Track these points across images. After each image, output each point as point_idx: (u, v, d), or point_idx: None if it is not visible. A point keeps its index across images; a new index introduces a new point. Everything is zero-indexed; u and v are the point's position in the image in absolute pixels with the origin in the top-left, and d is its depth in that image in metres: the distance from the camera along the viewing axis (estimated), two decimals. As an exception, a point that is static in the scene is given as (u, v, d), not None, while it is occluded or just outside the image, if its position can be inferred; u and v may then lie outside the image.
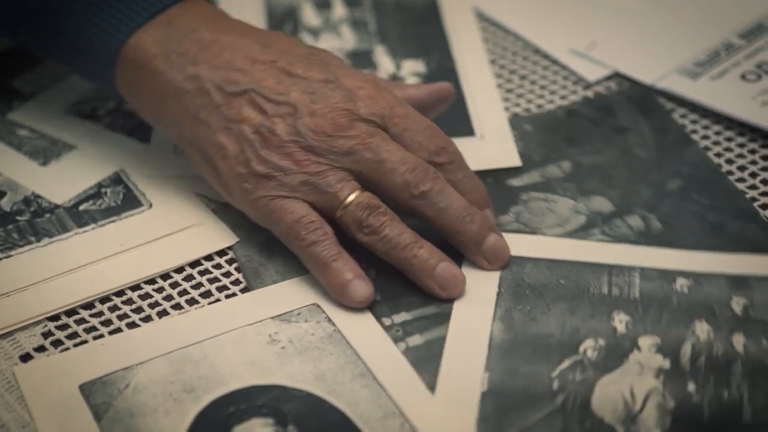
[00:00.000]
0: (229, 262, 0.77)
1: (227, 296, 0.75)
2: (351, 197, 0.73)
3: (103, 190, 0.81)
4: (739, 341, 0.70)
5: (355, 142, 0.73)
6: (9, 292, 0.74)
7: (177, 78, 0.75)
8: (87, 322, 0.73)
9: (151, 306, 0.74)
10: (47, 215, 0.79)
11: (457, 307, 0.73)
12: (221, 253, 0.77)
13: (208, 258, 0.77)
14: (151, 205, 0.80)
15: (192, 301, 0.75)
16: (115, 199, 0.81)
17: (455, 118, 0.87)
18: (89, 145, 0.84)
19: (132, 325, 0.73)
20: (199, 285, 0.76)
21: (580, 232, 0.77)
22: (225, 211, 0.79)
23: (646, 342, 0.70)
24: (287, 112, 0.74)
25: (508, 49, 0.94)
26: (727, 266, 0.74)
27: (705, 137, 0.85)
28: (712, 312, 0.72)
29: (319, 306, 0.73)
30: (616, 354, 0.70)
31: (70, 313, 0.74)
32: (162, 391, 0.69)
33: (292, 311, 0.73)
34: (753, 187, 0.81)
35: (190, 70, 0.75)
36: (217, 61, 0.75)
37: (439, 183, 0.73)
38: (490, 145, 0.85)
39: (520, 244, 0.76)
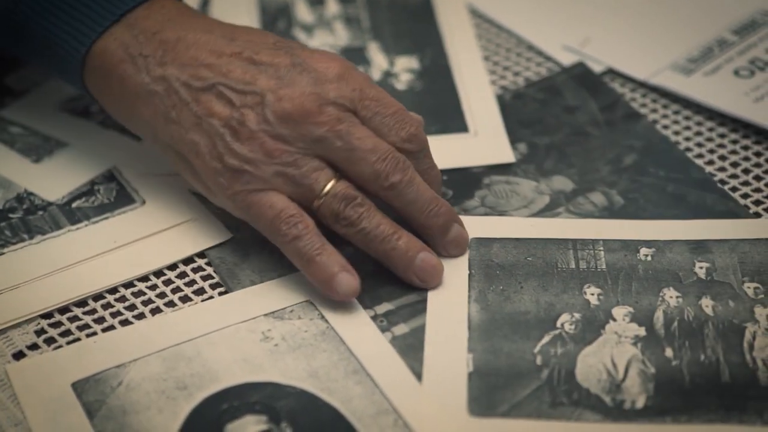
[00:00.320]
0: (223, 259, 0.77)
1: (220, 293, 0.75)
2: (327, 187, 0.72)
3: (96, 187, 0.81)
4: (707, 304, 0.72)
5: (325, 129, 0.73)
6: (2, 290, 0.74)
7: (145, 81, 0.75)
8: (80, 319, 0.73)
9: (144, 303, 0.74)
10: (40, 212, 0.79)
11: (432, 293, 0.74)
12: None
13: (201, 255, 0.77)
14: (144, 202, 0.80)
15: (185, 299, 0.75)
16: (108, 196, 0.80)
17: (449, 115, 0.87)
18: (82, 142, 0.84)
19: (125, 323, 0.73)
20: (192, 282, 0.76)
21: (546, 212, 0.79)
22: (218, 208, 0.79)
23: (620, 312, 0.72)
24: (255, 101, 0.73)
25: (501, 46, 0.94)
26: (686, 233, 0.76)
27: (653, 111, 0.87)
28: (678, 278, 0.74)
29: (311, 303, 0.73)
30: (592, 326, 0.71)
31: (63, 310, 0.74)
32: (155, 388, 0.69)
33: (284, 308, 0.73)
34: (699, 155, 0.83)
35: (158, 72, 0.75)
36: (183, 60, 0.75)
37: (409, 173, 0.73)
38: (484, 141, 0.85)
39: (484, 226, 0.77)
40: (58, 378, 0.69)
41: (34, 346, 0.72)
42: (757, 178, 0.82)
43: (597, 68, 0.90)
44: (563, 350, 0.70)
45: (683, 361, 0.69)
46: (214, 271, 0.76)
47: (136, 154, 0.83)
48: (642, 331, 0.71)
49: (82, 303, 0.74)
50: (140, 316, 0.73)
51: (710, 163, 0.83)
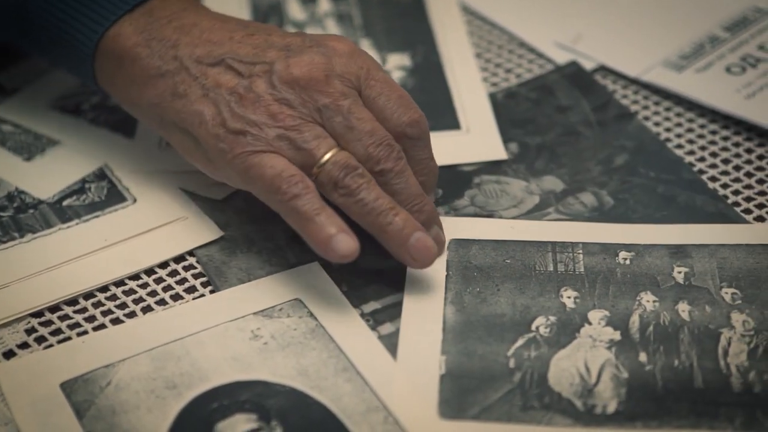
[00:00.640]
0: (213, 257, 0.77)
1: (212, 292, 0.75)
2: (328, 155, 0.72)
3: (87, 185, 0.81)
4: (684, 309, 0.72)
5: (329, 100, 0.73)
6: (-8, 288, 0.75)
7: (158, 62, 0.75)
8: (71, 318, 0.73)
9: (135, 302, 0.74)
10: (31, 211, 0.79)
11: (408, 293, 0.73)
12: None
13: (193, 253, 0.77)
14: (135, 200, 0.80)
15: (177, 297, 0.75)
16: (99, 195, 0.80)
17: (441, 112, 0.87)
18: (73, 140, 0.84)
19: (116, 321, 0.73)
20: (183, 280, 0.76)
21: (536, 213, 0.79)
22: (209, 206, 0.79)
23: (596, 316, 0.72)
24: (263, 69, 0.74)
25: (493, 43, 0.94)
26: (666, 237, 0.76)
27: (645, 107, 0.87)
28: (656, 282, 0.74)
29: (301, 301, 0.73)
30: (567, 329, 0.71)
31: (54, 309, 0.74)
32: (144, 388, 0.69)
33: (274, 306, 0.73)
34: (690, 152, 0.83)
35: (170, 53, 0.75)
36: (196, 41, 0.75)
37: (400, 164, 0.73)
38: (476, 138, 0.85)
39: (463, 227, 0.77)
40: (47, 378, 0.69)
41: (24, 345, 0.72)
42: (748, 174, 0.82)
43: (589, 65, 0.90)
44: (537, 353, 0.70)
45: (657, 366, 0.69)
46: (203, 270, 0.76)
47: (127, 152, 0.83)
48: (617, 336, 0.71)
49: (72, 302, 0.74)
50: (131, 315, 0.74)
51: (701, 160, 0.83)
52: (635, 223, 0.78)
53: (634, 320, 0.72)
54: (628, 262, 0.75)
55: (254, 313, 0.73)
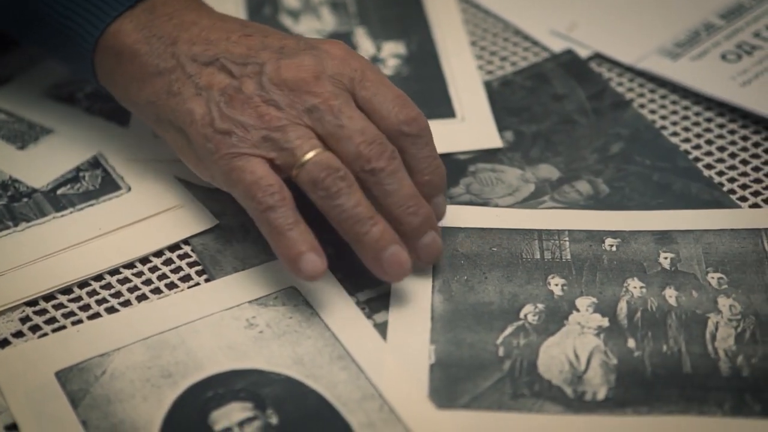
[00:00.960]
0: (208, 246, 0.77)
1: (207, 280, 0.75)
2: (310, 154, 0.71)
3: (81, 173, 0.81)
4: (671, 294, 0.72)
5: (319, 100, 0.72)
6: (-14, 277, 0.74)
7: (156, 60, 0.75)
8: (65, 307, 0.73)
9: (130, 291, 0.74)
10: (25, 199, 0.79)
11: (396, 283, 0.73)
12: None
13: (188, 242, 0.77)
14: (129, 189, 0.80)
15: (171, 285, 0.75)
16: (94, 183, 0.80)
17: (436, 100, 0.87)
18: (67, 128, 0.84)
19: (111, 310, 0.73)
20: (178, 269, 0.75)
21: (531, 201, 0.79)
22: (204, 195, 0.79)
23: (584, 302, 0.72)
24: (254, 71, 0.73)
25: (488, 31, 0.93)
26: (651, 223, 0.76)
27: (640, 95, 0.87)
28: (642, 268, 0.74)
29: (296, 289, 0.73)
30: (556, 317, 0.71)
31: (49, 298, 0.74)
32: (139, 377, 0.69)
33: (269, 295, 0.73)
34: (686, 140, 0.83)
35: (169, 50, 0.75)
36: (194, 39, 0.75)
37: (394, 164, 0.72)
38: (471, 126, 0.85)
39: (449, 215, 0.76)
40: (42, 367, 0.69)
41: (18, 334, 0.72)
42: (744, 162, 0.82)
43: (584, 53, 0.90)
44: (526, 341, 0.70)
45: (645, 351, 0.69)
46: (198, 258, 0.76)
47: (121, 140, 0.83)
48: (605, 322, 0.71)
49: (67, 290, 0.74)
50: (126, 304, 0.73)
51: (697, 147, 0.83)
52: (631, 211, 0.78)
53: (622, 307, 0.72)
54: (614, 248, 0.75)
55: (249, 302, 0.73)
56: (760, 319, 0.71)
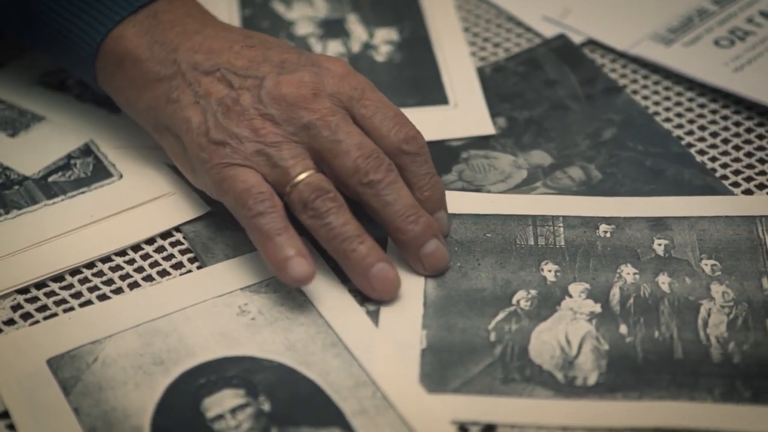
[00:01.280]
0: (200, 233, 0.77)
1: (198, 267, 0.74)
2: (302, 176, 0.72)
3: (72, 161, 0.81)
4: (664, 281, 0.72)
5: (316, 116, 0.73)
6: (-22, 265, 0.74)
7: (157, 66, 0.76)
8: (57, 294, 0.73)
9: (122, 278, 0.74)
10: (16, 187, 0.79)
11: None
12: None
13: (179, 229, 0.77)
14: (121, 176, 0.80)
15: (164, 273, 0.74)
16: (85, 171, 0.80)
17: (428, 87, 0.87)
18: (58, 116, 0.84)
19: (102, 298, 0.73)
20: (170, 256, 0.75)
21: (524, 187, 0.79)
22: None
23: (576, 288, 0.72)
24: (254, 84, 0.74)
25: (481, 17, 0.93)
26: (646, 210, 0.77)
27: (633, 81, 0.87)
28: (636, 255, 0.74)
29: (289, 276, 0.73)
30: (548, 303, 0.71)
31: (40, 285, 0.74)
32: (131, 364, 0.69)
33: (261, 282, 0.73)
34: (679, 126, 0.83)
35: (171, 57, 0.75)
36: (196, 47, 0.76)
37: (391, 176, 0.72)
38: (464, 113, 0.85)
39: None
40: (33, 354, 0.69)
41: (10, 322, 0.72)
42: (737, 147, 0.82)
43: (577, 39, 0.90)
44: (518, 327, 0.70)
45: (637, 337, 0.69)
46: (189, 245, 0.76)
47: (113, 127, 0.83)
48: (597, 308, 0.71)
49: (59, 278, 0.74)
50: (118, 291, 0.73)
51: (690, 133, 0.83)
52: (623, 197, 0.78)
53: (615, 293, 0.72)
54: (608, 235, 0.75)
55: (241, 289, 0.72)
56: (752, 306, 0.71)
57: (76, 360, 0.69)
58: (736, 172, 0.80)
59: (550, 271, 0.73)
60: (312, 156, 0.73)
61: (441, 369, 0.68)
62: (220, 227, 0.76)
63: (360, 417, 0.66)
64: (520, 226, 0.76)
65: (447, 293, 0.72)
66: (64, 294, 0.73)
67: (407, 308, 0.71)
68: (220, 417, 0.66)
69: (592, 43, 0.90)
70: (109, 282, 0.74)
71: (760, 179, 0.80)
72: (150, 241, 0.76)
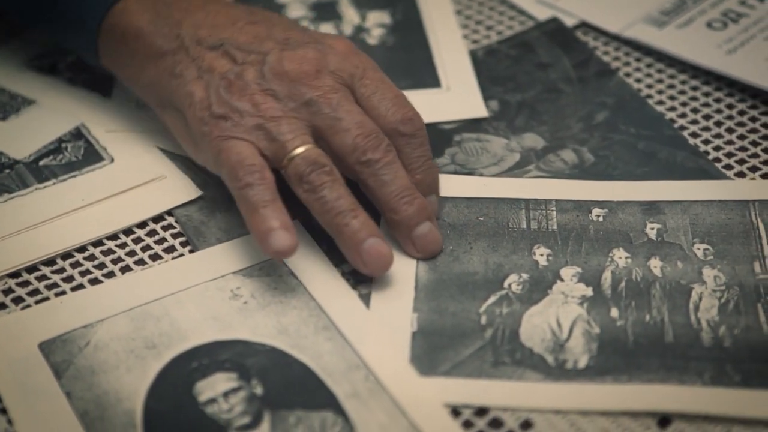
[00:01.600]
0: (192, 216, 0.77)
1: (191, 251, 0.74)
2: (299, 150, 0.72)
3: (63, 145, 0.80)
4: (656, 265, 0.72)
5: (317, 93, 0.73)
6: (-31, 249, 0.74)
7: (160, 40, 0.75)
8: (48, 278, 0.73)
9: (114, 262, 0.74)
10: (7, 171, 0.79)
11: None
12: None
13: (171, 213, 0.77)
14: (112, 160, 0.79)
15: (155, 257, 0.74)
16: (76, 154, 0.80)
17: (421, 70, 0.87)
18: (49, 99, 0.83)
19: (94, 282, 0.73)
20: (162, 240, 0.75)
21: (516, 170, 0.79)
22: (187, 165, 0.78)
23: (568, 272, 0.72)
24: (257, 59, 0.74)
25: (473, 0, 0.93)
26: (639, 194, 0.76)
27: (626, 64, 0.87)
28: (629, 239, 0.74)
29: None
30: (540, 286, 0.71)
31: (31, 269, 0.73)
32: (123, 348, 0.68)
33: (254, 265, 0.73)
34: (671, 108, 0.83)
35: (174, 31, 0.75)
36: (200, 23, 0.76)
37: (389, 156, 0.72)
38: (456, 96, 0.85)
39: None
40: (25, 338, 0.69)
41: (1, 306, 0.71)
42: (729, 130, 0.82)
43: (570, 21, 0.90)
44: (509, 310, 0.70)
45: (628, 321, 0.70)
46: (182, 229, 0.76)
47: (104, 111, 0.83)
48: (589, 292, 0.71)
49: (50, 262, 0.74)
50: (110, 275, 0.73)
51: (682, 116, 0.83)
52: (616, 179, 0.78)
53: (606, 276, 0.72)
54: (601, 219, 0.75)
55: (234, 273, 0.72)
56: (744, 290, 0.71)
57: (68, 344, 0.69)
58: (729, 155, 0.80)
59: (542, 255, 0.73)
60: (312, 133, 0.73)
61: (431, 352, 0.68)
62: (213, 211, 0.76)
63: (353, 400, 0.66)
64: (513, 209, 0.76)
65: (438, 277, 0.72)
66: (56, 278, 0.73)
67: (398, 291, 0.71)
68: (212, 400, 0.66)
69: (584, 25, 0.90)
70: (101, 266, 0.74)
71: (753, 161, 0.80)
72: (142, 225, 0.76)
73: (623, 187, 0.77)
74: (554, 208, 0.76)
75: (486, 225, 0.75)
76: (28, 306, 0.71)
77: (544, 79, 0.86)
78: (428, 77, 0.86)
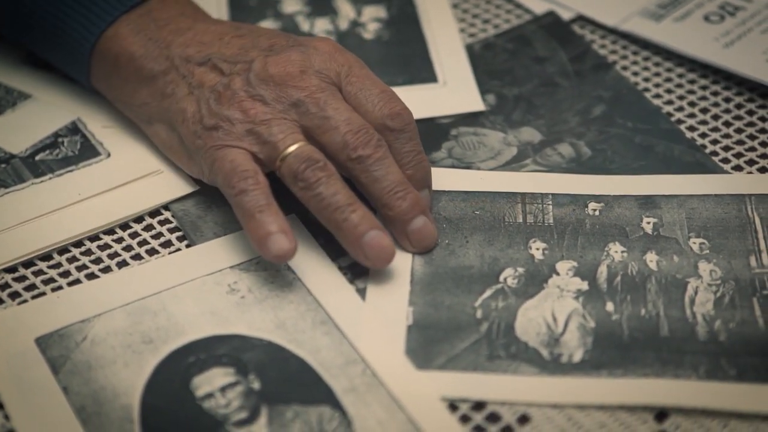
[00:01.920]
0: (189, 211, 0.76)
1: (187, 246, 0.74)
2: (291, 148, 0.72)
3: (60, 139, 0.80)
4: (652, 259, 0.73)
5: (304, 94, 0.73)
6: (-35, 244, 0.74)
7: (151, 63, 0.76)
8: (45, 273, 0.73)
9: (110, 256, 0.74)
10: (3, 165, 0.79)
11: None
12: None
13: (167, 207, 0.76)
14: (109, 155, 0.79)
15: (152, 251, 0.74)
16: (73, 149, 0.80)
17: (417, 65, 0.86)
18: (46, 94, 0.83)
19: (91, 276, 0.73)
20: (159, 235, 0.75)
21: (513, 164, 0.79)
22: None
23: (564, 266, 0.72)
24: (243, 68, 0.74)
25: (470, -7, 0.93)
26: (635, 188, 0.76)
27: (623, 57, 0.87)
28: (625, 233, 0.74)
29: (278, 255, 0.73)
30: (535, 280, 0.71)
31: (28, 264, 0.73)
32: (120, 342, 0.68)
33: (251, 260, 0.73)
34: (668, 102, 0.83)
35: (164, 53, 0.76)
36: (188, 41, 0.76)
37: (380, 152, 0.72)
38: (453, 90, 0.85)
39: (432, 178, 0.75)
40: (22, 333, 0.69)
41: (-2, 301, 0.72)
42: (726, 124, 0.82)
43: (566, 15, 0.90)
44: (504, 304, 0.70)
45: (623, 315, 0.70)
46: (178, 224, 0.76)
47: (101, 106, 0.82)
48: (585, 286, 0.71)
49: (47, 257, 0.74)
50: (106, 270, 0.73)
51: (679, 109, 0.83)
52: (613, 173, 0.78)
53: (602, 270, 0.72)
54: (597, 213, 0.75)
55: (231, 267, 0.72)
56: (739, 285, 0.71)
57: (65, 339, 0.69)
58: (726, 149, 0.80)
59: (538, 249, 0.73)
60: (303, 132, 0.73)
61: (426, 345, 0.68)
62: (209, 205, 0.76)
63: (350, 395, 0.66)
64: (509, 203, 0.76)
65: (434, 270, 0.72)
66: (52, 273, 0.73)
67: (394, 285, 0.71)
68: (209, 395, 0.66)
69: (581, 19, 0.90)
70: (98, 261, 0.74)
71: (750, 155, 0.80)
72: (138, 219, 0.76)
73: (619, 180, 0.77)
74: (550, 202, 0.76)
75: (482, 219, 0.75)
76: (25, 301, 0.71)
77: (541, 72, 0.86)
78: (425, 72, 0.86)
